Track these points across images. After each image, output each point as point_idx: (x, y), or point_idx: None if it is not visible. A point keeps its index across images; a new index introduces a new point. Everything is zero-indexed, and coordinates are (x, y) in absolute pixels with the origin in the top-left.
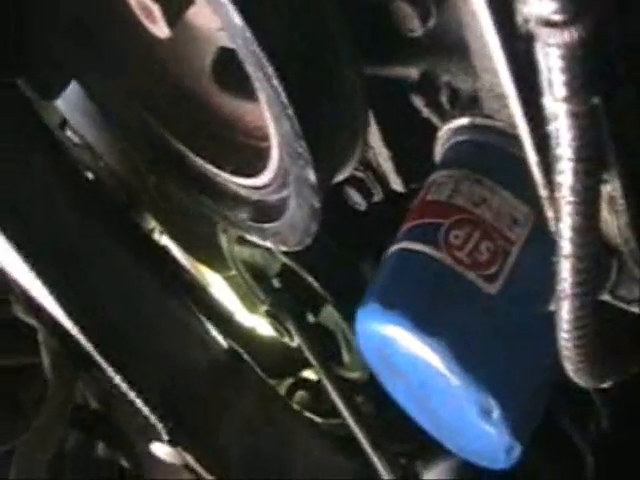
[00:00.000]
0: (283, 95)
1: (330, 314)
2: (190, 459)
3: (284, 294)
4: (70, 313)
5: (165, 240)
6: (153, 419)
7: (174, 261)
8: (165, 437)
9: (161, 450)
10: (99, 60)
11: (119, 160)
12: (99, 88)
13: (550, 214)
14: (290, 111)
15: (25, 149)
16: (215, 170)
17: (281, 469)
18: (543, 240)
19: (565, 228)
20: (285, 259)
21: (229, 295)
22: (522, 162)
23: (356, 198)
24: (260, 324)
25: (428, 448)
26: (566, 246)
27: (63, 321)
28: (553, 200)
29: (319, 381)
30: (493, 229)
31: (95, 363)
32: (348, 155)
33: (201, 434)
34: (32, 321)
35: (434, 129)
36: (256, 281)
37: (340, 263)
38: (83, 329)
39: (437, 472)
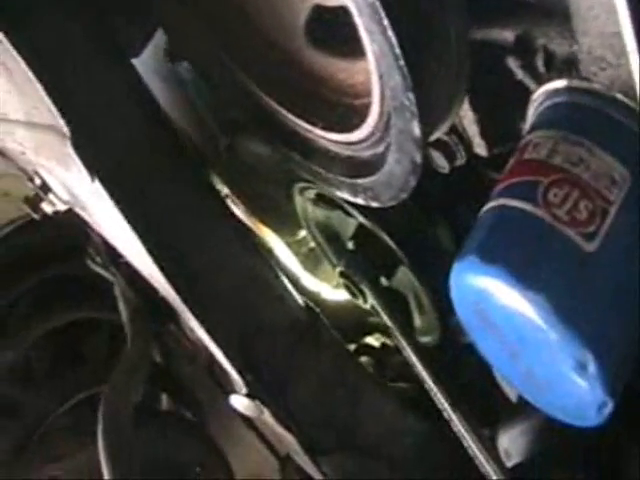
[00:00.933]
0: (397, 47)
1: (403, 278)
2: (267, 413)
3: (358, 256)
4: (159, 262)
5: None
6: (232, 371)
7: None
8: (243, 390)
9: (239, 402)
10: (188, 10)
11: (190, 122)
12: (189, 42)
13: None
14: (402, 62)
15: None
16: (307, 126)
17: (353, 429)
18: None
19: None
20: (362, 219)
21: (291, 260)
22: (620, 124)
23: (440, 161)
24: (323, 289)
25: (501, 412)
26: None
27: (149, 272)
28: None
29: (382, 347)
30: (592, 189)
31: (172, 317)
32: (447, 113)
33: (278, 389)
34: (109, 274)
35: (522, 93)
36: (329, 243)
37: (417, 225)
38: (170, 278)
39: (511, 436)
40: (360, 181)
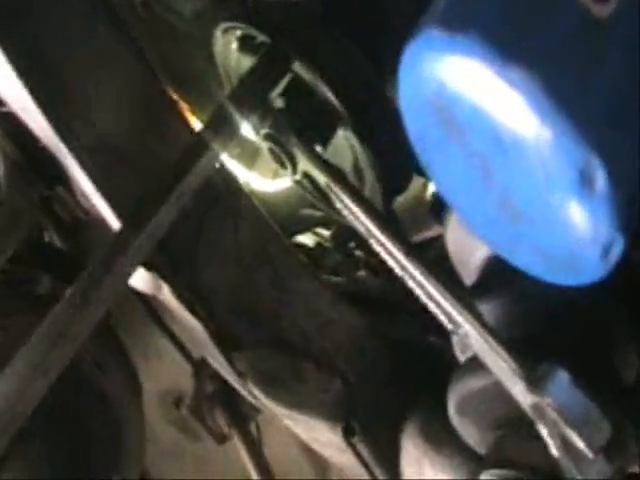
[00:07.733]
0: None
1: (341, 145)
2: (167, 290)
3: (288, 114)
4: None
5: None
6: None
7: None
8: None
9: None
10: None
11: None
12: None
13: None
14: None
15: None
16: None
17: (277, 320)
18: None
19: None
20: (297, 68)
21: None
22: None
23: None
24: (252, 179)
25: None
26: None
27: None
28: None
29: (316, 247)
30: None
31: (61, 179)
32: None
33: (183, 261)
34: None
35: None
36: None
37: (362, 75)
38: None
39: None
40: None
